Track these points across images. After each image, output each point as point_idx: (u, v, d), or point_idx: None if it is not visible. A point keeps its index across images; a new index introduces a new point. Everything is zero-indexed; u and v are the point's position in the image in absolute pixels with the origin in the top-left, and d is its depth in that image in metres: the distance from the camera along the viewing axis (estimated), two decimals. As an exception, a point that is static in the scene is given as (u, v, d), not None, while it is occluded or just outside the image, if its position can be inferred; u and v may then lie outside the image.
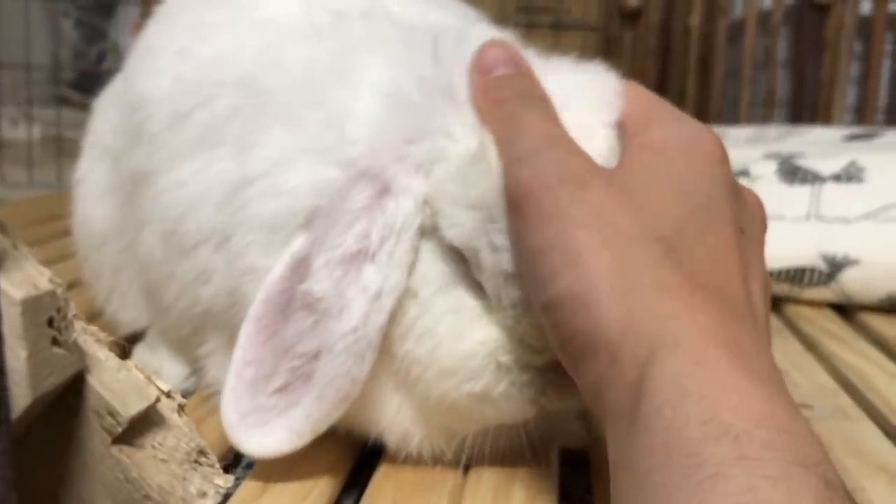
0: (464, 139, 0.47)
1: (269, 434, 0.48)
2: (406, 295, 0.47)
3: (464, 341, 0.47)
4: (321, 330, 0.47)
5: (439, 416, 0.49)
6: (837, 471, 0.31)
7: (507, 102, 0.46)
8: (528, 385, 0.47)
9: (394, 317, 0.47)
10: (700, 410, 0.31)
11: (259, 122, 0.55)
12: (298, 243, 0.49)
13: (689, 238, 0.40)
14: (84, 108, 0.76)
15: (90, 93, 0.76)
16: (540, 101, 0.46)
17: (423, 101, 0.49)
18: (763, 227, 0.46)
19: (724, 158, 0.44)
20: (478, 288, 0.47)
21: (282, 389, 0.49)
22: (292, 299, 0.49)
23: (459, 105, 0.48)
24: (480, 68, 0.48)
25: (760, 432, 0.30)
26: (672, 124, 0.45)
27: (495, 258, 0.45)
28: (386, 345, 0.48)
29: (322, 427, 0.48)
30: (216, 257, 0.56)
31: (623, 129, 0.47)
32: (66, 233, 0.76)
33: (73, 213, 0.73)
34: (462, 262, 0.48)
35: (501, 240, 0.44)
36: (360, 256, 0.47)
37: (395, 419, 0.50)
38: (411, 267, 0.48)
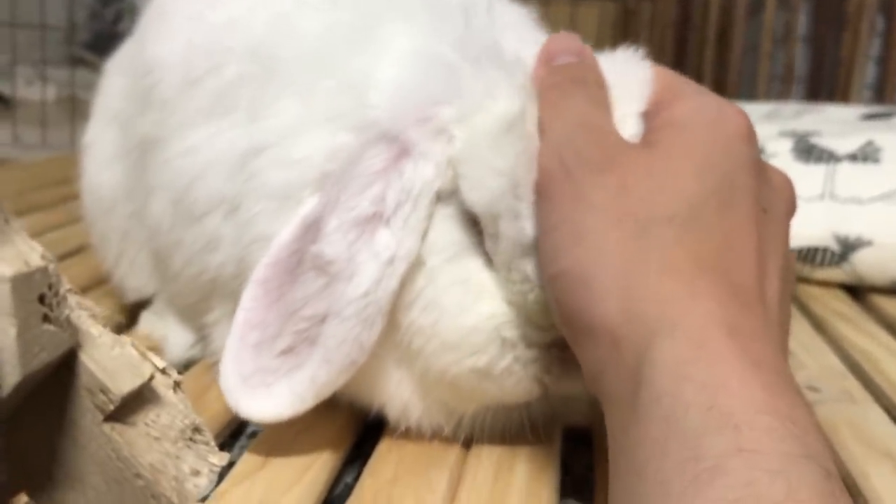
0: (504, 100, 0.47)
1: (271, 397, 0.48)
2: (414, 263, 0.47)
3: (469, 314, 0.46)
4: (330, 293, 0.47)
5: (439, 391, 0.49)
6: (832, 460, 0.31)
7: (559, 85, 0.46)
8: (532, 362, 0.46)
9: (401, 284, 0.47)
10: (700, 399, 0.31)
11: (270, 90, 0.55)
12: (310, 205, 0.49)
13: (703, 218, 0.39)
14: (99, 69, 0.76)
15: (105, 54, 0.76)
16: (590, 87, 0.46)
17: (461, 61, 0.48)
18: (790, 209, 0.45)
19: (749, 135, 0.43)
20: (488, 261, 0.47)
21: (286, 352, 0.48)
22: (302, 261, 0.48)
23: (505, 65, 0.48)
24: (545, 56, 0.48)
25: (761, 422, 0.30)
26: (696, 99, 0.44)
27: (515, 226, 0.44)
28: (391, 314, 0.47)
29: (326, 392, 0.48)
30: (225, 225, 0.55)
31: (648, 106, 0.46)
32: (78, 196, 0.76)
33: (82, 178, 0.73)
34: (475, 232, 0.47)
35: (524, 209, 0.44)
36: (375, 220, 0.46)
37: (395, 392, 0.50)
38: (424, 234, 0.47)
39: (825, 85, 1.73)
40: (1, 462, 0.20)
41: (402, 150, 0.47)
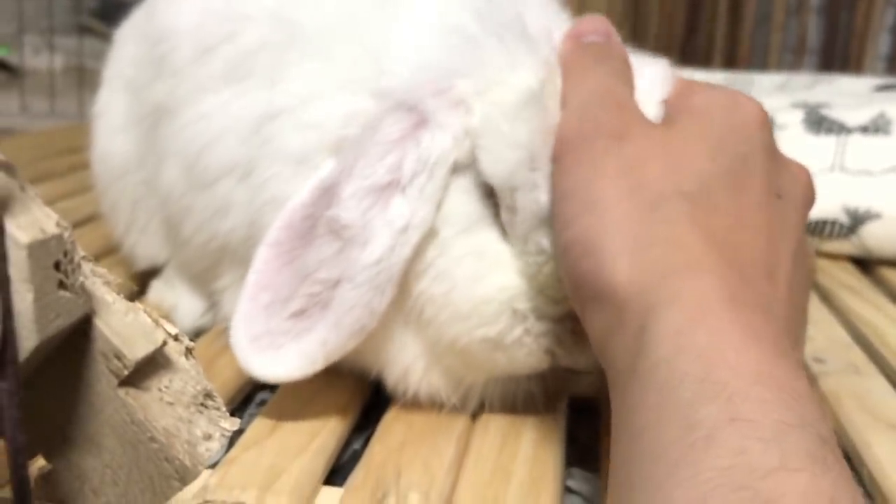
0: (525, 73, 0.47)
1: (281, 358, 0.48)
2: (428, 233, 0.47)
3: (481, 285, 0.47)
4: (344, 258, 0.47)
5: (449, 359, 0.49)
6: (832, 429, 0.31)
7: (584, 61, 0.47)
8: (543, 335, 0.47)
9: (414, 253, 0.47)
10: (696, 368, 0.31)
11: (289, 55, 0.55)
12: (326, 170, 0.49)
13: (716, 196, 0.39)
14: (107, 37, 0.76)
15: (113, 22, 0.76)
16: (615, 63, 0.47)
17: (483, 33, 0.49)
18: (807, 199, 0.45)
19: (763, 122, 0.44)
20: (502, 233, 0.47)
21: (298, 314, 0.48)
22: (316, 225, 0.48)
23: (527, 39, 0.48)
24: (574, 34, 0.49)
25: (755, 392, 0.30)
26: (713, 91, 0.46)
27: (531, 198, 0.45)
28: (403, 282, 0.48)
29: (335, 356, 0.48)
30: (238, 190, 0.56)
31: (668, 96, 0.47)
32: (87, 165, 0.76)
33: (93, 146, 0.73)
34: (491, 204, 0.47)
35: (541, 181, 0.44)
36: (391, 188, 0.47)
37: (397, 357, 0.50)
38: (438, 205, 0.47)
39: (838, 56, 1.72)
40: (22, 423, 0.20)
41: (420, 120, 0.47)
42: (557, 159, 0.43)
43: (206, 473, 0.43)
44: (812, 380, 0.60)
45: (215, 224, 0.58)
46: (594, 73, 0.46)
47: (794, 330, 0.39)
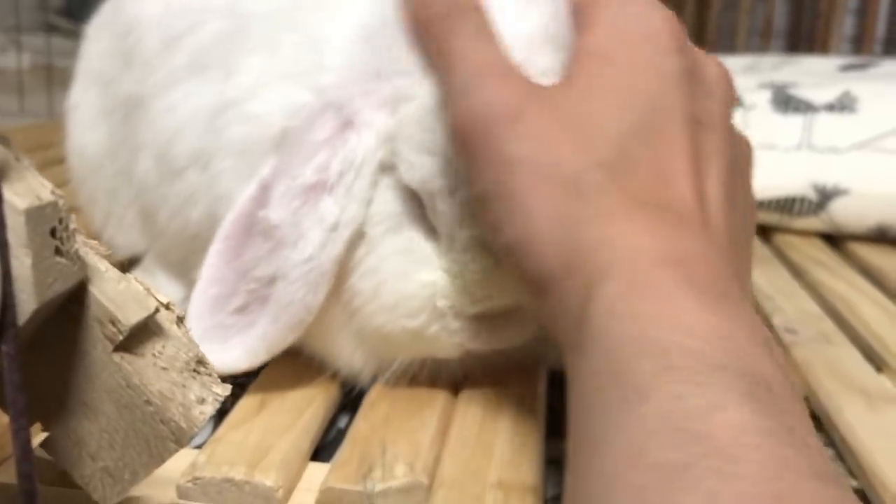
0: (427, 81, 0.46)
1: (227, 351, 0.50)
2: (357, 231, 0.48)
3: (408, 281, 0.48)
4: (277, 257, 0.48)
5: (373, 343, 0.51)
6: (784, 368, 0.32)
7: (435, 23, 0.44)
8: (458, 331, 0.49)
9: (345, 250, 0.48)
10: (631, 330, 0.31)
11: (241, 47, 0.55)
12: (267, 168, 0.50)
13: (632, 153, 0.38)
14: (73, 35, 0.76)
15: (79, 20, 0.76)
16: (469, 17, 0.44)
17: (387, 39, 0.48)
18: (726, 101, 0.43)
19: (676, 46, 0.41)
20: (430, 230, 0.48)
21: (241, 310, 0.50)
22: (254, 223, 0.50)
23: None
24: None
25: (690, 342, 0.30)
26: (618, 15, 0.42)
27: (450, 202, 0.46)
28: (336, 276, 0.49)
29: (277, 349, 0.50)
30: (201, 180, 0.56)
31: (571, 16, 0.45)
32: (59, 161, 0.76)
33: (67, 139, 0.74)
34: (418, 203, 0.48)
35: (457, 184, 0.45)
36: (319, 188, 0.47)
37: (335, 343, 0.52)
38: (368, 203, 0.48)
39: (804, 38, 1.74)
40: (23, 385, 0.21)
41: (346, 121, 0.48)
42: (462, 152, 0.42)
43: (194, 452, 0.44)
44: (784, 349, 0.61)
45: (187, 213, 0.59)
46: (456, 41, 0.42)
47: (736, 262, 0.38)
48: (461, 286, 0.47)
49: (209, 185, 0.55)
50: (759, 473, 0.25)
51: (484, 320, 0.48)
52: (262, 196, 0.49)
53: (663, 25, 0.41)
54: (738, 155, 0.43)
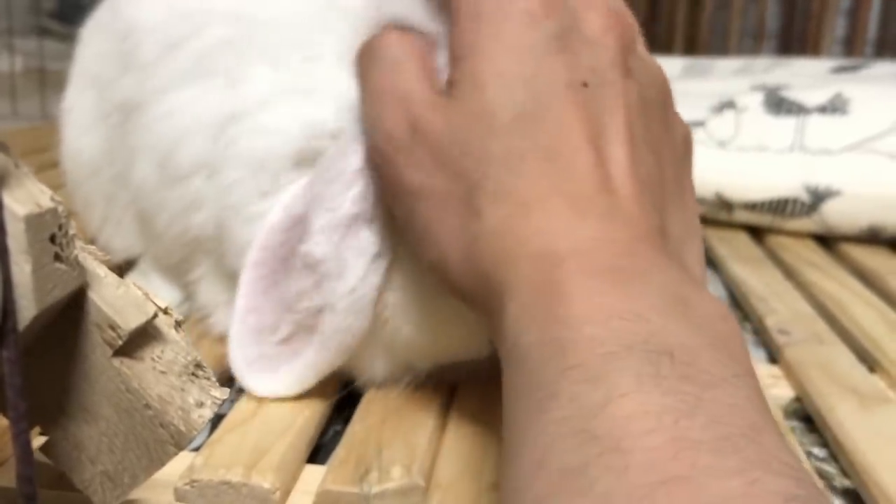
0: None
1: (275, 380, 0.51)
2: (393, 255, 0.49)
3: (436, 297, 0.48)
4: (322, 290, 0.49)
5: (401, 352, 0.51)
6: (707, 327, 0.30)
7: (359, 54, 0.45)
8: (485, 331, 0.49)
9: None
10: (534, 336, 0.31)
11: (249, 55, 0.55)
12: (298, 193, 0.50)
13: (519, 153, 0.36)
14: (66, 38, 0.76)
15: (72, 23, 0.76)
16: (381, 47, 0.44)
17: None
18: (616, 46, 0.39)
19: (545, 12, 0.38)
20: None
21: (286, 340, 0.51)
22: (292, 256, 0.50)
23: None
24: None
25: (584, 332, 0.29)
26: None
27: None
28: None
29: (324, 374, 0.51)
30: (207, 187, 0.56)
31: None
32: (53, 165, 0.76)
33: (62, 143, 0.74)
34: None
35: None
36: (359, 220, 0.48)
37: (363, 356, 0.52)
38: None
39: (796, 40, 1.75)
40: (24, 390, 0.21)
41: None
42: (379, 184, 0.42)
43: (191, 455, 0.44)
44: (777, 350, 0.62)
45: (188, 217, 0.59)
46: (361, 68, 0.43)
47: (654, 215, 0.36)
48: None
49: (217, 195, 0.55)
50: (651, 460, 0.24)
51: None
52: (297, 228, 0.49)
53: None
54: (646, 89, 0.39)
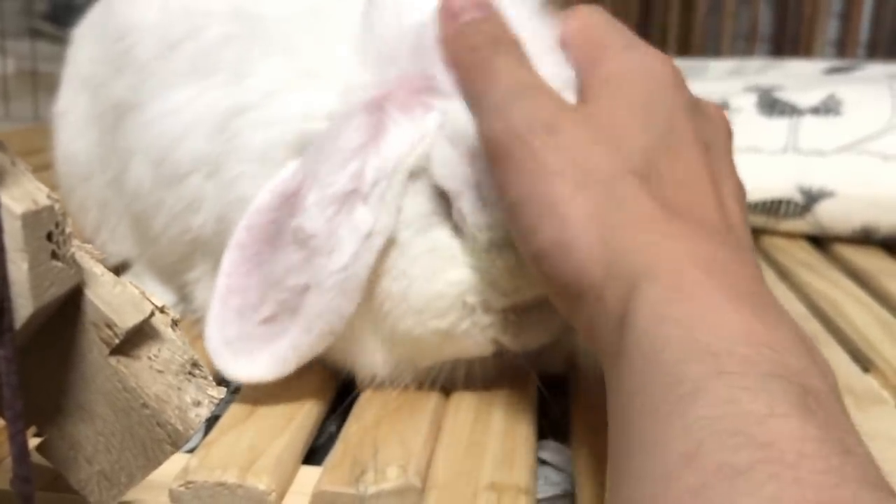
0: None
1: (254, 361, 0.49)
2: (387, 239, 0.48)
3: (436, 282, 0.48)
4: (311, 266, 0.48)
5: (403, 348, 0.51)
6: (827, 374, 0.32)
7: (479, 49, 0.46)
8: (489, 326, 0.49)
9: (376, 256, 0.48)
10: (678, 332, 0.32)
11: (253, 50, 0.55)
12: (289, 173, 0.50)
13: (658, 167, 0.40)
14: (58, 40, 0.76)
15: (64, 25, 0.76)
16: (510, 46, 0.46)
17: (414, 44, 0.49)
18: (728, 137, 0.46)
19: (677, 81, 0.44)
20: (456, 228, 0.49)
21: (269, 320, 0.50)
22: (281, 232, 0.49)
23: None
24: (449, 13, 0.47)
25: (739, 349, 0.30)
26: (624, 54, 0.45)
27: (476, 201, 0.46)
28: (366, 283, 0.49)
29: (307, 357, 0.50)
30: (207, 185, 0.56)
31: (575, 59, 0.47)
32: (46, 167, 0.76)
33: (56, 146, 0.73)
34: (444, 202, 0.48)
35: (484, 183, 0.46)
36: (353, 196, 0.47)
37: (362, 351, 0.52)
38: (399, 209, 0.48)
39: (789, 41, 1.75)
40: (20, 389, 0.21)
41: (379, 126, 0.48)
42: (496, 163, 0.43)
43: (186, 456, 0.44)
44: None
45: (187, 218, 0.58)
46: (498, 63, 0.45)
47: (756, 265, 0.40)
48: (490, 280, 0.48)
49: (219, 190, 0.55)
50: (820, 481, 0.26)
51: (513, 315, 0.48)
52: (288, 204, 0.49)
53: (664, 66, 0.44)
54: (739, 184, 0.45)
